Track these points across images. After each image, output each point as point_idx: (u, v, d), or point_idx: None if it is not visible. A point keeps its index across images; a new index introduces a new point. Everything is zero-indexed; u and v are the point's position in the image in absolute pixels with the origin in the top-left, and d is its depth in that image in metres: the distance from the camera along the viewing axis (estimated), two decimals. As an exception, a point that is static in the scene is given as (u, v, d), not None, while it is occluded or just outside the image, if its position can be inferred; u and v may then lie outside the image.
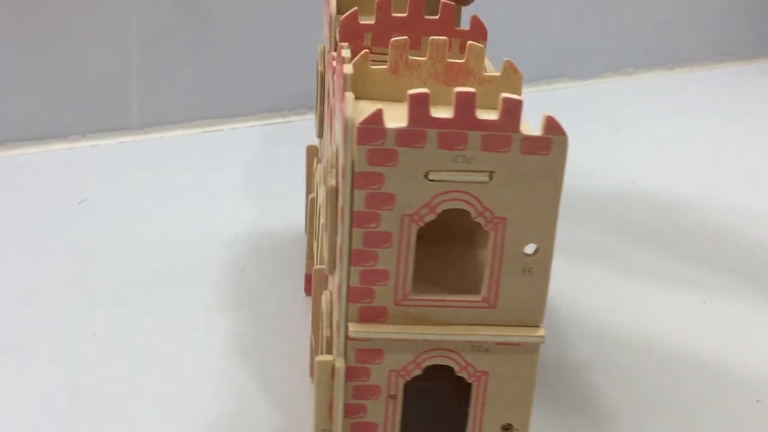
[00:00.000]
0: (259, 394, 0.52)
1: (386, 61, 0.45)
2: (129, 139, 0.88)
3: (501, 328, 0.41)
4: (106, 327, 0.57)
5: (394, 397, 0.42)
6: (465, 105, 0.37)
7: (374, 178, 0.38)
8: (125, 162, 0.83)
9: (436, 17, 0.53)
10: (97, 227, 0.70)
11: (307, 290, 0.62)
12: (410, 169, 0.38)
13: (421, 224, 0.39)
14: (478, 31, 0.53)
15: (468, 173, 0.38)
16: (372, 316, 0.41)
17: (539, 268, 0.40)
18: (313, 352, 0.50)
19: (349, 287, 0.40)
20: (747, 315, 0.64)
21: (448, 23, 0.53)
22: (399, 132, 0.37)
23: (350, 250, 0.39)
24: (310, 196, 0.60)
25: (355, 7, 0.52)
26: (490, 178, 0.38)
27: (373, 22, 0.51)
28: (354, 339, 0.41)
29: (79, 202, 0.73)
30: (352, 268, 0.39)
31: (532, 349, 0.42)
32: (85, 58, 0.85)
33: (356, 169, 0.38)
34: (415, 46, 0.53)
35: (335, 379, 0.41)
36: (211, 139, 0.89)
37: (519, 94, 0.44)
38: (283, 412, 0.51)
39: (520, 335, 0.41)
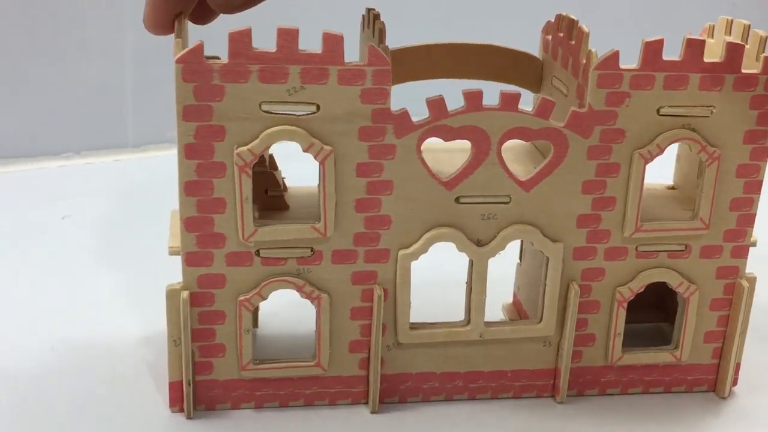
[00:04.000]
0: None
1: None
2: (124, 157, 0.86)
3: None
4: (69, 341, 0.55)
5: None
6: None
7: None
8: (118, 180, 0.81)
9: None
10: (78, 243, 0.68)
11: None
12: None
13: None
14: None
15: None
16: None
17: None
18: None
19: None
20: None
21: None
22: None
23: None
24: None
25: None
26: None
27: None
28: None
29: (62, 218, 0.72)
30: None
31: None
32: (80, 74, 0.84)
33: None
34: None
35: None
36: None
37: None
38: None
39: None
